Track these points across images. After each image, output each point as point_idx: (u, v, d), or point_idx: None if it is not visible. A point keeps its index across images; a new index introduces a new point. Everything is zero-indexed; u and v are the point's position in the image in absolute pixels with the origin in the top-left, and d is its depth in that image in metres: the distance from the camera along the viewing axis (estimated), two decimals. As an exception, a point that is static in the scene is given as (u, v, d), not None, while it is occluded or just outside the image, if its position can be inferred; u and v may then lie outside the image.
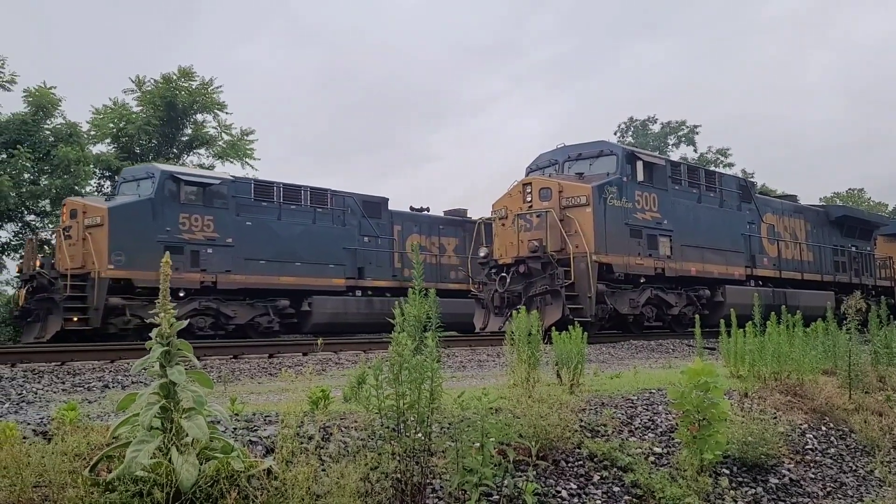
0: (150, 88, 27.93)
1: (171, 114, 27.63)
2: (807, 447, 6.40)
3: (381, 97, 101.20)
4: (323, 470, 3.78)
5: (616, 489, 4.81)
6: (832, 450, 6.56)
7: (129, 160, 25.45)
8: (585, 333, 6.45)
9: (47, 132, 24.82)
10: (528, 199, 15.85)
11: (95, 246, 15.40)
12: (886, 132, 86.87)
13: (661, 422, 5.94)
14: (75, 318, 15.07)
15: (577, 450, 5.06)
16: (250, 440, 4.02)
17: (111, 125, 27.30)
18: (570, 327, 6.49)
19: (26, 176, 24.44)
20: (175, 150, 28.62)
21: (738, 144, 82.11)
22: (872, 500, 5.93)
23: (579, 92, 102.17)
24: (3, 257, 24.86)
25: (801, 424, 6.73)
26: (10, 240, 24.71)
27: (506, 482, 4.23)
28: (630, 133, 48.75)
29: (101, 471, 3.30)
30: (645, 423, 5.88)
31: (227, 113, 29.58)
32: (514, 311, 6.11)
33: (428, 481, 4.05)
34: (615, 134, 49.00)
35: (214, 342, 14.67)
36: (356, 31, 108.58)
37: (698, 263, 17.54)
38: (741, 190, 19.78)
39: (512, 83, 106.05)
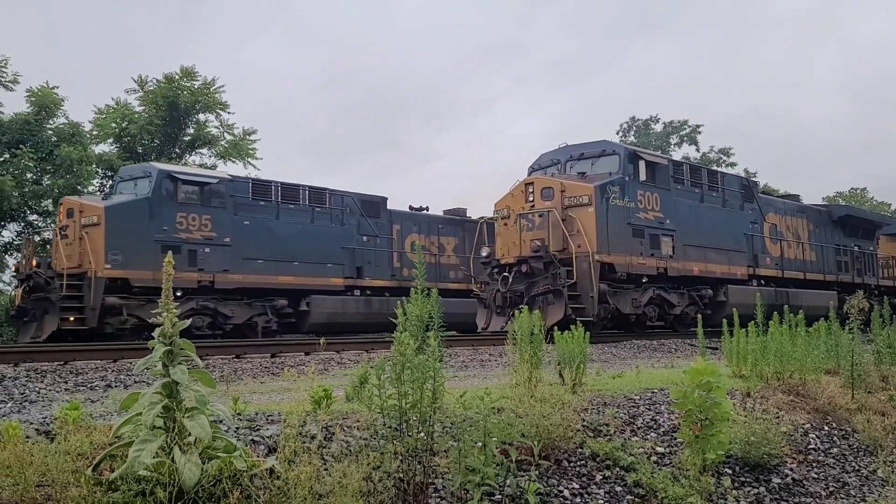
0: (152, 88, 27.98)
1: (174, 113, 27.67)
2: (809, 447, 6.39)
3: (382, 97, 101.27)
4: (325, 469, 3.79)
5: (618, 489, 4.81)
6: (835, 450, 6.55)
7: (131, 160, 25.48)
8: (588, 333, 6.44)
9: (50, 132, 24.88)
10: (531, 198, 15.85)
11: (92, 245, 15.34)
12: (889, 132, 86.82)
13: (664, 421, 5.93)
14: (72, 318, 15.00)
15: (580, 449, 5.06)
16: (253, 439, 4.02)
17: (113, 125, 27.36)
18: (572, 327, 6.48)
19: (29, 176, 24.51)
20: (177, 150, 28.67)
21: (740, 144, 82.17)
22: (875, 500, 5.92)
23: (581, 92, 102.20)
24: (6, 257, 24.93)
25: (803, 424, 6.72)
26: (13, 239, 24.77)
27: (508, 482, 4.23)
28: (632, 133, 48.73)
29: (103, 470, 3.30)
30: (647, 422, 5.88)
31: (229, 113, 29.65)
32: (516, 311, 6.10)
33: (430, 481, 4.06)
34: (617, 133, 49.03)
35: (217, 342, 14.68)
36: (358, 30, 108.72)
37: (701, 263, 17.53)
38: (744, 189, 19.77)
39: (513, 83, 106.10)
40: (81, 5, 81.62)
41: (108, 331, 15.22)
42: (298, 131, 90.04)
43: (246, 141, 29.97)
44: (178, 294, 15.88)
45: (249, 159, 29.98)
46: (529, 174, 17.30)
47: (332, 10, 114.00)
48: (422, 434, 4.00)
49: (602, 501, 4.65)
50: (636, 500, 4.78)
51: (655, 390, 6.65)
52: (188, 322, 3.60)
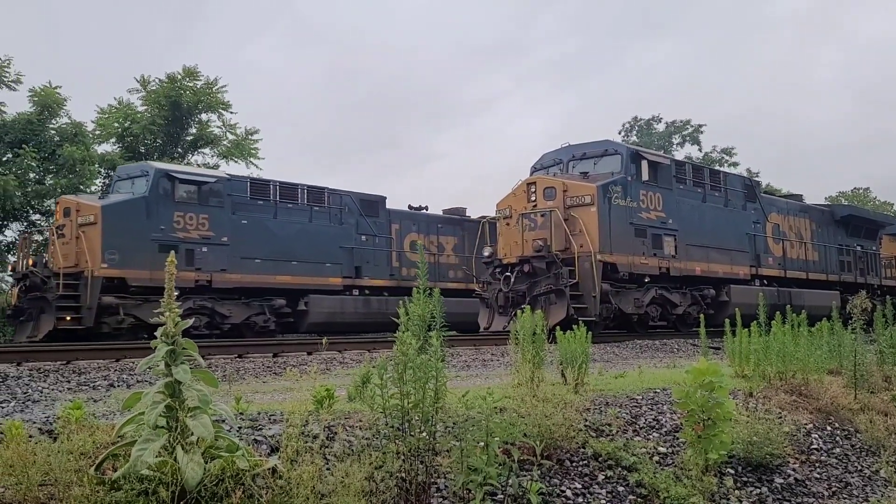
0: (154, 88, 28.02)
1: (176, 113, 27.70)
2: (812, 447, 6.39)
3: (383, 97, 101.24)
4: (327, 469, 3.79)
5: (621, 489, 4.81)
6: (837, 450, 6.54)
7: (133, 160, 25.50)
8: (590, 333, 6.44)
9: (52, 132, 24.92)
10: (533, 198, 15.85)
11: (89, 244, 15.25)
12: (891, 131, 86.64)
13: (666, 421, 5.93)
14: (68, 318, 14.91)
15: (582, 449, 5.06)
16: (255, 439, 4.03)
17: (116, 125, 27.40)
18: (574, 327, 6.48)
19: (32, 175, 24.55)
20: (180, 150, 28.71)
21: (742, 144, 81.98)
22: (878, 501, 5.91)
23: (582, 91, 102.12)
24: (9, 256, 24.97)
25: (806, 424, 6.71)
26: (16, 239, 24.81)
27: (510, 482, 4.23)
28: (634, 132, 48.70)
29: (106, 469, 3.31)
30: (649, 422, 5.88)
31: (231, 112, 29.67)
32: (518, 311, 6.10)
33: (432, 480, 4.06)
34: (619, 133, 48.98)
35: (219, 341, 14.67)
36: (359, 30, 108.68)
37: (703, 263, 17.52)
38: (746, 189, 19.74)
39: (514, 83, 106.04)
40: (84, 5, 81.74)
41: (105, 330, 15.12)
42: (299, 131, 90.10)
43: (248, 141, 30.00)
44: (176, 294, 15.75)
45: (252, 159, 30.02)
46: (532, 174, 17.30)
47: (332, 10, 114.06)
48: (424, 434, 4.00)
49: (604, 501, 4.64)
50: (638, 500, 4.77)
51: (658, 390, 6.64)
52: (191, 321, 3.60)
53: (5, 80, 24.62)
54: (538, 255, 15.03)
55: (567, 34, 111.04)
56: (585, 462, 4.97)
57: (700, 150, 48.12)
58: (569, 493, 4.59)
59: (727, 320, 8.20)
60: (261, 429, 4.22)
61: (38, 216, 25.14)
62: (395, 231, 20.88)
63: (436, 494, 4.07)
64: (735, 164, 47.47)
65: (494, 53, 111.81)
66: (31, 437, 3.69)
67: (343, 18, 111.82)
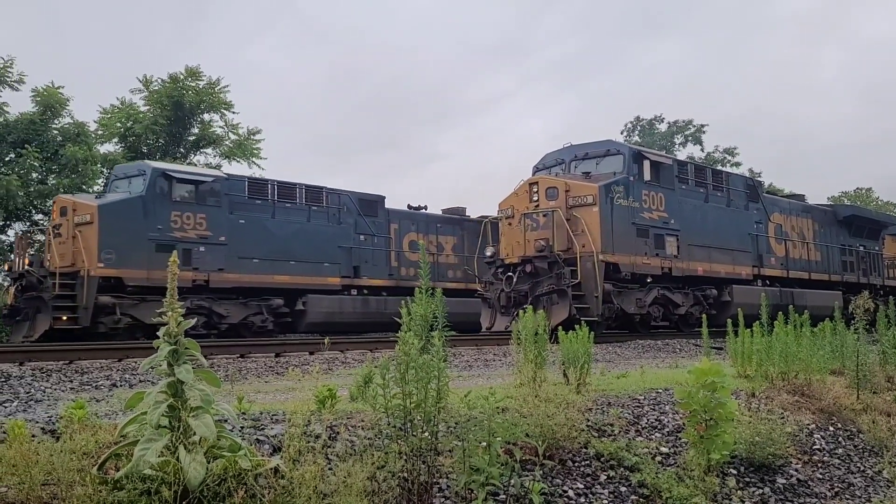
0: (157, 88, 28.06)
1: (179, 113, 27.74)
2: (814, 447, 6.38)
3: (386, 97, 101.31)
4: (330, 469, 3.79)
5: (623, 489, 4.81)
6: (840, 450, 6.54)
7: (136, 160, 25.55)
8: (592, 333, 6.43)
9: (55, 132, 24.95)
10: (535, 198, 15.85)
11: (85, 244, 15.13)
12: (894, 131, 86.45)
13: (668, 421, 5.93)
14: (64, 318, 14.81)
15: (584, 449, 5.06)
16: (257, 439, 4.03)
17: (119, 125, 27.44)
18: (576, 327, 6.48)
19: (34, 175, 24.59)
20: (182, 150, 28.75)
21: (744, 144, 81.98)
22: (881, 501, 5.91)
23: (585, 92, 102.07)
24: (11, 256, 25.00)
25: (808, 425, 6.71)
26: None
27: (512, 481, 4.23)
28: (637, 132, 48.69)
29: (109, 469, 3.31)
30: (652, 422, 5.87)
31: (234, 112, 29.71)
32: (520, 311, 6.10)
33: (434, 480, 4.06)
34: (622, 133, 48.98)
35: (222, 341, 14.68)
36: (362, 30, 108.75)
37: (705, 263, 17.50)
38: (748, 189, 19.72)
39: (517, 83, 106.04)
40: (86, 5, 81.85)
41: (101, 330, 15.03)
42: (301, 131, 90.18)
43: (250, 141, 30.02)
44: None
45: (254, 159, 30.05)
46: (534, 174, 17.30)
47: (335, 10, 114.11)
48: (426, 434, 4.00)
49: (606, 501, 4.64)
50: (640, 500, 4.77)
51: (660, 390, 6.64)
52: (193, 321, 3.60)
53: (8, 79, 24.67)
54: (540, 255, 15.03)
55: (569, 34, 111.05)
56: (587, 462, 4.96)
57: (702, 150, 48.14)
58: (571, 493, 4.59)
59: (729, 320, 8.19)
60: (263, 428, 4.23)
61: (40, 216, 25.17)
62: (394, 231, 20.79)
63: (438, 494, 4.07)
64: (737, 164, 47.49)
65: (497, 53, 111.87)
66: (33, 436, 3.69)
67: (345, 18, 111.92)
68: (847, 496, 5.84)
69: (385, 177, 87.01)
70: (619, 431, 5.50)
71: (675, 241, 16.83)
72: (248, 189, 17.81)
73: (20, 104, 31.66)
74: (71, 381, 8.07)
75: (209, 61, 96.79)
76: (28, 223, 24.87)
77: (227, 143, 29.75)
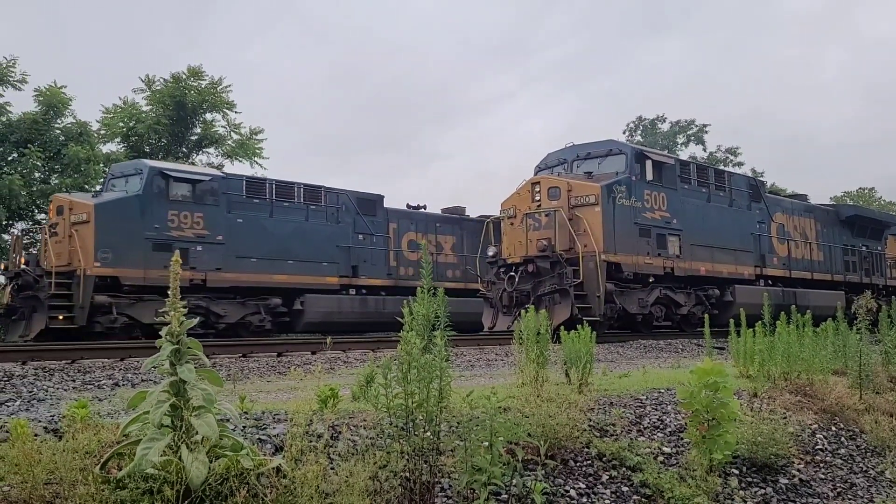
0: (159, 88, 28.09)
1: (181, 113, 27.78)
2: (817, 447, 6.37)
3: (387, 97, 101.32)
4: (332, 468, 3.79)
5: (625, 489, 4.80)
6: (842, 450, 6.53)
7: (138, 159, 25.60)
8: (594, 333, 6.43)
9: (58, 131, 24.99)
10: (537, 198, 15.84)
11: (81, 243, 15.09)
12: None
13: (671, 421, 5.92)
14: (60, 317, 14.76)
15: (586, 449, 5.06)
16: (259, 438, 4.03)
17: (121, 124, 27.49)
18: (578, 327, 6.47)
19: (37, 175, 24.64)
20: (184, 150, 28.79)
21: (747, 143, 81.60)
22: (883, 501, 5.90)
23: (587, 91, 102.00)
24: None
25: (811, 425, 6.70)
26: (16, 237, 24.83)
27: (514, 481, 4.23)
28: (639, 132, 48.67)
29: (111, 468, 3.32)
30: (654, 422, 5.87)
31: (236, 112, 29.72)
32: (522, 311, 6.10)
33: (437, 480, 4.06)
34: (624, 133, 48.97)
35: (224, 340, 14.68)
36: (365, 30, 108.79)
37: (708, 263, 17.48)
38: (751, 189, 19.69)
39: (520, 83, 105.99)
40: (89, 5, 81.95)
41: (98, 330, 14.97)
42: (302, 131, 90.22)
43: (252, 140, 30.05)
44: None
45: (256, 159, 30.07)
46: (536, 174, 17.29)
47: (338, 10, 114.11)
48: (428, 433, 4.00)
49: (608, 501, 4.64)
50: (642, 500, 4.77)
51: (662, 390, 6.64)
52: (195, 320, 3.60)
53: (11, 79, 24.73)
54: (542, 254, 15.02)
55: (570, 34, 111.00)
56: (589, 462, 4.96)
57: (704, 149, 48.12)
58: (573, 492, 4.59)
59: (732, 320, 8.17)
60: (265, 428, 4.23)
61: (43, 216, 25.20)
62: (393, 230, 20.69)
63: (440, 494, 4.07)
64: (740, 164, 47.48)
65: (498, 54, 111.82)
66: (36, 435, 3.70)
67: (348, 18, 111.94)
68: (849, 496, 5.83)
69: (387, 176, 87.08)
70: (622, 431, 5.49)
71: (677, 240, 16.81)
72: (246, 188, 17.69)
73: (23, 104, 31.63)
74: (73, 381, 8.08)
75: (210, 61, 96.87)
76: (30, 222, 24.91)
77: (229, 142, 29.79)
